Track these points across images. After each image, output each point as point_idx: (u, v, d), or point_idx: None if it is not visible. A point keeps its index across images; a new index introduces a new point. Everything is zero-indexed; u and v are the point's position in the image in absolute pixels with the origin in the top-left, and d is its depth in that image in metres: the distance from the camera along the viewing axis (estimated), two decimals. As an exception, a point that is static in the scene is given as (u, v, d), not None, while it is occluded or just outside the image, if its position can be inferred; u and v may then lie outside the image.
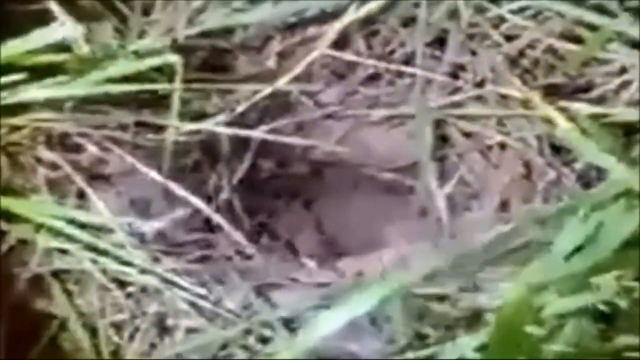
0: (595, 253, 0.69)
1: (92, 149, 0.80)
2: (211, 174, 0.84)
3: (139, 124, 0.82)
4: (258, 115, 0.85)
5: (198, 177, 0.84)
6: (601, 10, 0.85)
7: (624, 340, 0.69)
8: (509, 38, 0.86)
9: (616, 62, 0.84)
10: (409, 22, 0.87)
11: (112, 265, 0.75)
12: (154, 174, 0.79)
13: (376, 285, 0.68)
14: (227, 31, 0.87)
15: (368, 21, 0.87)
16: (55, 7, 0.82)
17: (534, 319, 0.67)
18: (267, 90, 0.85)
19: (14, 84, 0.79)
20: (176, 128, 0.81)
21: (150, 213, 0.78)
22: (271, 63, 0.87)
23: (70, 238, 0.76)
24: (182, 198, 0.78)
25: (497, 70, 0.85)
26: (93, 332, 0.74)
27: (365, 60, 0.87)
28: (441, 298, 0.73)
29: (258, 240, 0.84)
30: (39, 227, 0.76)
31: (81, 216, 0.77)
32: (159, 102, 0.82)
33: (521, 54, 0.85)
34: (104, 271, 0.75)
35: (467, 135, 0.85)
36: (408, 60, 0.87)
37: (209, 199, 0.82)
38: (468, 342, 0.70)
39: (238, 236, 0.78)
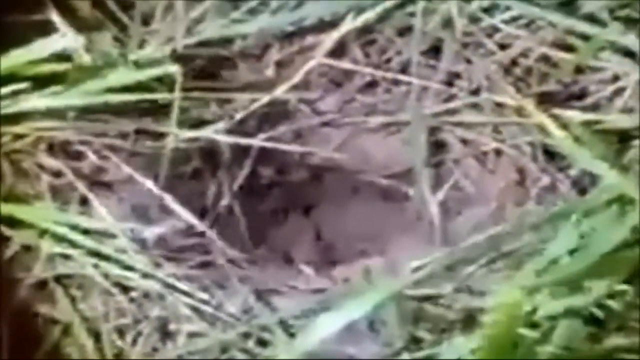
0: (587, 257, 0.69)
1: (92, 156, 0.80)
2: (211, 181, 0.85)
3: (139, 131, 0.82)
4: (257, 123, 0.86)
5: (198, 184, 0.84)
6: (592, 19, 0.85)
7: (614, 341, 0.69)
8: (503, 47, 0.86)
9: (608, 70, 0.84)
10: (404, 31, 0.87)
11: (115, 270, 0.75)
12: (149, 184, 0.79)
13: (372, 290, 0.69)
14: (226, 40, 0.87)
15: (365, 30, 0.87)
16: (56, 18, 0.83)
17: (527, 321, 0.68)
18: (265, 98, 0.85)
19: (16, 93, 0.79)
20: (176, 135, 0.81)
21: (151, 219, 0.78)
22: (270, 72, 0.88)
23: (73, 244, 0.76)
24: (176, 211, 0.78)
25: (491, 79, 0.85)
26: (96, 336, 0.74)
27: (362, 68, 0.87)
28: (436, 301, 0.73)
29: (257, 247, 0.84)
30: (43, 232, 0.77)
31: (84, 222, 0.77)
32: (159, 110, 0.82)
33: (515, 62, 0.85)
34: (107, 276, 0.75)
35: (463, 142, 0.85)
36: (404, 69, 0.87)
37: (207, 208, 0.83)
38: (463, 344, 0.70)
39: (233, 253, 0.78)
